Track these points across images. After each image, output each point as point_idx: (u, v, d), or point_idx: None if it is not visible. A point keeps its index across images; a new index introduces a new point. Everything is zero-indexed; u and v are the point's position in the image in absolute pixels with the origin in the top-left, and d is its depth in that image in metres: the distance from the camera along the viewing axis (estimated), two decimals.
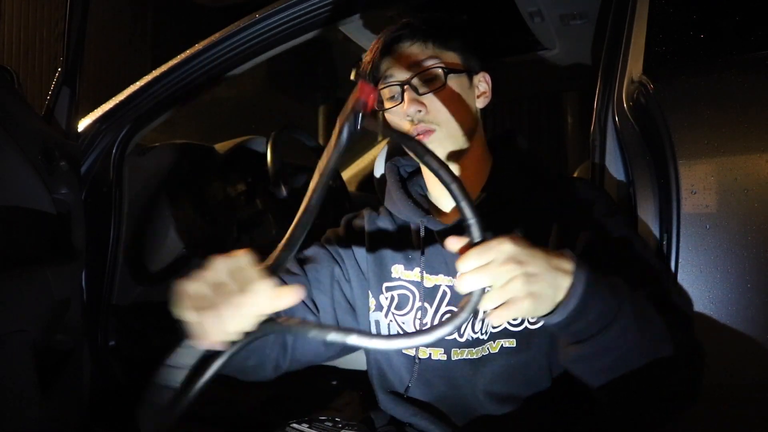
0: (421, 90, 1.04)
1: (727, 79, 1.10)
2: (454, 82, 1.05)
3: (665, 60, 1.17)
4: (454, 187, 0.70)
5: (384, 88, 1.07)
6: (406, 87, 1.04)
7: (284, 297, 0.69)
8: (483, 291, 0.69)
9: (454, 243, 0.72)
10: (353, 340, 0.70)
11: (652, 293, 0.87)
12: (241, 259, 0.70)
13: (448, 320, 0.68)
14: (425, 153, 0.73)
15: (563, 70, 2.29)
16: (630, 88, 1.17)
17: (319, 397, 1.94)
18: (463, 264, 0.69)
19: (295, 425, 1.02)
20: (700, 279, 1.03)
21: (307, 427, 1.01)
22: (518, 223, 1.03)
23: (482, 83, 1.12)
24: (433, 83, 1.04)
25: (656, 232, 1.09)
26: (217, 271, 0.70)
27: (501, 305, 0.69)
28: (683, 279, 1.04)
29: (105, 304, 1.79)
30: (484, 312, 0.71)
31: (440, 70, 1.04)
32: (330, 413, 1.08)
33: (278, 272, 0.72)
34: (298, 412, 1.11)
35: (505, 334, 0.99)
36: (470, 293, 0.69)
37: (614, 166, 1.19)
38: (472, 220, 0.70)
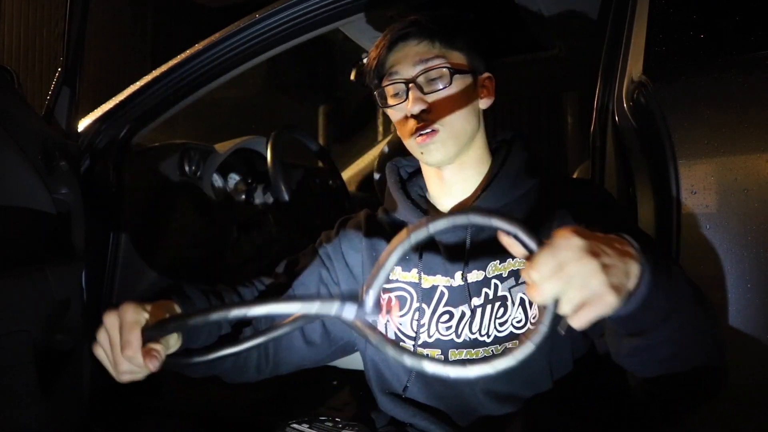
0: (426, 89, 1.04)
1: (727, 79, 1.09)
2: (459, 83, 1.05)
3: (665, 60, 1.17)
4: (493, 220, 0.67)
5: (388, 85, 1.07)
6: (411, 85, 1.04)
7: (148, 364, 0.82)
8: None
9: (516, 249, 0.68)
10: (428, 366, 0.67)
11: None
12: (128, 317, 0.85)
13: (529, 337, 0.63)
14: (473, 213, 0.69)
15: (563, 70, 2.29)
16: (630, 88, 1.17)
17: (319, 397, 1.94)
18: (535, 272, 0.63)
19: (295, 425, 1.02)
20: (700, 279, 1.03)
21: (307, 427, 1.01)
22: None
23: (486, 84, 1.12)
24: (438, 83, 1.04)
25: (656, 232, 1.09)
26: (109, 329, 0.88)
27: (581, 307, 0.64)
28: None
29: (105, 304, 1.79)
30: (561, 320, 0.66)
31: (446, 70, 1.04)
32: (330, 413, 1.08)
33: (156, 337, 0.82)
34: (298, 412, 1.11)
35: (510, 337, 0.99)
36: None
37: (614, 166, 1.19)
38: (523, 236, 0.64)
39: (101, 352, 0.88)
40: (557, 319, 0.64)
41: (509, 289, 0.99)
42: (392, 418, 1.08)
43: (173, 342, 0.88)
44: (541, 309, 0.64)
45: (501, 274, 1.01)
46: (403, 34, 1.06)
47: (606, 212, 1.00)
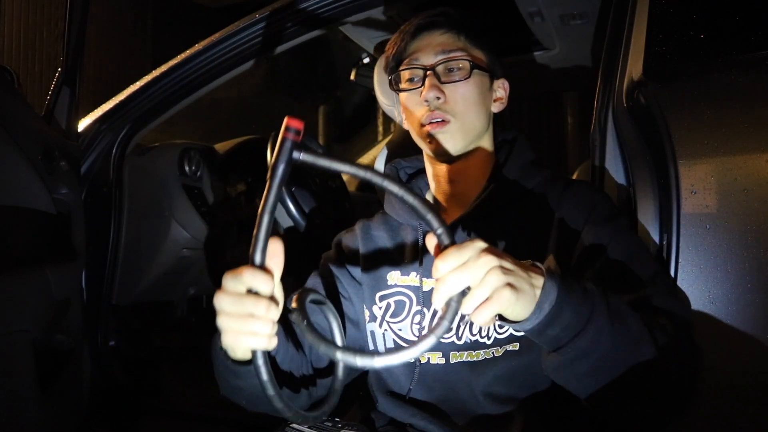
0: (444, 78, 1.04)
1: (727, 79, 1.09)
2: (477, 79, 1.05)
3: (665, 60, 1.17)
4: (413, 201, 0.68)
5: (406, 69, 1.07)
6: (429, 72, 1.04)
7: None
8: (462, 294, 0.67)
9: (430, 243, 0.71)
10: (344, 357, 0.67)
11: (642, 297, 0.87)
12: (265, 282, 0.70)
13: (432, 331, 0.66)
14: (382, 178, 0.69)
15: (563, 70, 2.29)
16: (630, 88, 1.17)
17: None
18: (442, 265, 0.67)
19: (295, 425, 1.02)
20: (700, 279, 1.03)
21: (307, 427, 1.01)
22: (517, 224, 1.02)
23: (500, 89, 1.12)
24: (457, 74, 1.04)
25: (656, 232, 1.09)
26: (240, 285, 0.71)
27: (483, 303, 0.68)
28: (683, 279, 1.04)
29: (105, 304, 1.80)
30: (466, 316, 0.70)
31: (467, 63, 1.04)
32: (330, 413, 1.08)
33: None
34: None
35: (510, 339, 0.98)
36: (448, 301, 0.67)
37: (614, 166, 1.19)
38: (439, 229, 0.68)
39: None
40: (457, 314, 0.68)
41: None
42: (392, 419, 1.08)
43: None
44: (445, 305, 0.67)
45: None
46: (430, 22, 1.06)
47: (598, 214, 0.99)
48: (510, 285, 0.68)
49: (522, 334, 0.97)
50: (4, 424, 1.16)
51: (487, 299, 0.68)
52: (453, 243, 0.68)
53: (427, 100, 1.03)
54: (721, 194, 1.03)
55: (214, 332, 1.06)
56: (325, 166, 0.72)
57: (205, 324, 2.39)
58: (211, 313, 1.03)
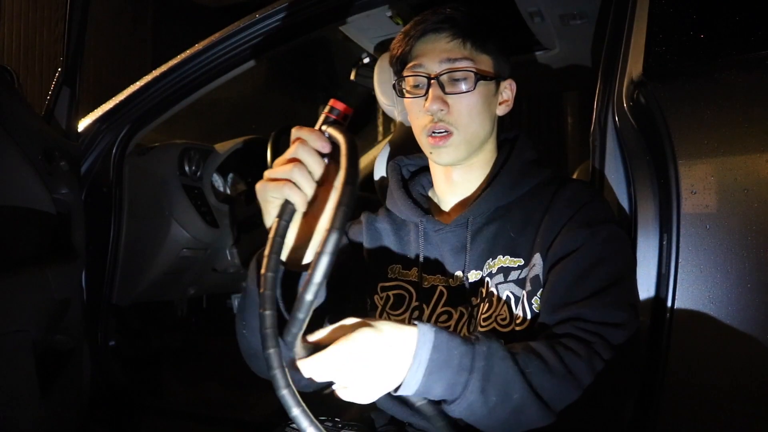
0: (448, 89, 1.02)
1: (727, 79, 1.09)
2: (482, 89, 1.03)
3: (665, 60, 1.17)
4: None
5: (410, 75, 1.05)
6: (433, 82, 1.02)
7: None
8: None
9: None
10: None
11: (579, 312, 0.86)
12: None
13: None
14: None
15: (563, 70, 2.29)
16: (630, 88, 1.17)
17: (320, 396, 1.94)
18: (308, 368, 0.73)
19: (294, 425, 1.01)
20: (700, 279, 1.03)
21: None
22: (516, 223, 1.03)
23: (507, 91, 1.10)
24: (461, 85, 1.02)
25: (656, 232, 1.09)
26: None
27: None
28: (683, 279, 1.04)
29: (105, 304, 1.79)
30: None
31: (472, 75, 1.02)
32: (330, 413, 1.08)
33: None
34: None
35: (493, 333, 0.98)
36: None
37: (614, 166, 1.19)
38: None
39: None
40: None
41: (497, 285, 0.99)
42: (392, 418, 1.08)
43: None
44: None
45: (492, 271, 1.01)
46: (436, 27, 1.04)
47: (582, 215, 0.97)
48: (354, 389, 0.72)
49: (505, 331, 0.97)
50: (4, 424, 1.16)
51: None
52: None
53: (430, 112, 1.01)
54: (721, 194, 1.03)
55: (214, 332, 1.05)
56: (347, 161, 0.73)
57: (205, 324, 2.40)
58: (212, 313, 1.02)
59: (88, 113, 1.82)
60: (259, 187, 0.80)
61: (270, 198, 0.79)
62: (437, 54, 1.03)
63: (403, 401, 1.05)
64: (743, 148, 1.04)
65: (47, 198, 1.37)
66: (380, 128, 3.50)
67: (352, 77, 2.40)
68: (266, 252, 0.75)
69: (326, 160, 0.79)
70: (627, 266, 0.98)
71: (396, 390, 0.76)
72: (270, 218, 0.80)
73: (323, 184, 0.81)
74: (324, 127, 0.80)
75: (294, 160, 0.79)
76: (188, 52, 1.75)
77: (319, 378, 0.72)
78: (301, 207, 0.78)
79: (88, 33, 1.56)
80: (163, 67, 1.76)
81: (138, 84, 1.78)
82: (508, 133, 1.16)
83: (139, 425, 1.84)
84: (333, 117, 0.79)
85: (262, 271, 0.73)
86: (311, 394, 1.02)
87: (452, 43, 1.03)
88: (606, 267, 0.91)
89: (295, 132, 0.80)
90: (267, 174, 0.80)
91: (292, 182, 0.77)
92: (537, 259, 0.97)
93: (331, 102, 0.79)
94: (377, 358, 0.72)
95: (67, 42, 1.53)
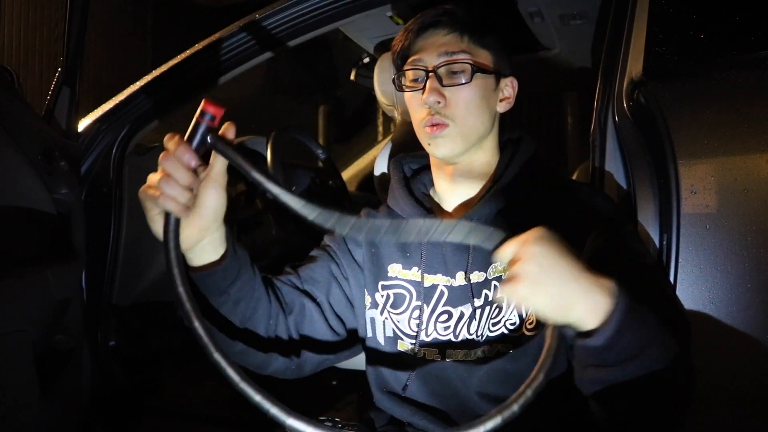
0: (445, 81, 1.03)
1: (727, 79, 1.09)
2: (480, 82, 1.04)
3: (665, 60, 1.17)
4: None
5: (409, 69, 1.06)
6: (430, 74, 1.03)
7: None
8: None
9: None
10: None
11: (653, 306, 0.87)
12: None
13: None
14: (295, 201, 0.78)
15: (563, 70, 2.29)
16: (630, 88, 1.17)
17: (319, 397, 1.94)
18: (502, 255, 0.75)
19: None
20: (700, 279, 1.03)
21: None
22: (520, 225, 1.02)
23: (508, 88, 1.10)
24: (458, 77, 1.03)
25: (656, 232, 1.09)
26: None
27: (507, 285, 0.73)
28: (683, 279, 1.04)
29: (105, 304, 1.79)
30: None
31: (469, 66, 1.02)
32: (330, 413, 1.08)
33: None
34: (297, 412, 1.11)
35: (502, 339, 0.98)
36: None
37: (614, 166, 1.19)
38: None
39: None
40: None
41: None
42: (391, 418, 1.08)
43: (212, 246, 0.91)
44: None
45: (501, 276, 1.01)
46: (434, 21, 1.05)
47: (605, 220, 0.98)
48: (533, 282, 0.72)
49: (515, 335, 0.97)
50: (4, 424, 1.16)
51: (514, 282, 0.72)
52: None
53: (427, 104, 1.02)
54: (721, 194, 1.03)
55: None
56: (235, 160, 0.77)
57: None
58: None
59: (88, 113, 1.82)
60: (140, 196, 0.83)
61: (147, 207, 0.83)
62: (435, 48, 1.04)
63: (403, 400, 1.05)
64: (743, 148, 1.04)
65: (47, 198, 1.37)
66: (380, 128, 3.50)
67: (352, 77, 2.41)
68: (170, 270, 0.82)
69: (197, 163, 0.81)
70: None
71: (578, 333, 0.75)
72: (154, 225, 0.85)
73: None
74: (209, 141, 0.80)
75: (163, 172, 0.81)
76: (188, 52, 1.75)
77: (509, 254, 0.74)
78: (181, 214, 0.82)
79: (88, 33, 1.56)
80: (163, 67, 1.76)
81: (138, 84, 1.78)
82: (512, 134, 1.16)
83: (139, 425, 1.84)
84: (206, 122, 0.78)
85: (177, 289, 0.80)
86: (312, 394, 1.03)
87: (450, 36, 1.04)
88: (650, 263, 0.95)
89: (166, 141, 0.81)
90: (147, 181, 0.83)
91: (169, 196, 0.81)
92: None
93: (203, 105, 0.79)
94: (575, 275, 0.73)
95: (67, 42, 1.53)
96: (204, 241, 0.89)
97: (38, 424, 1.25)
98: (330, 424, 1.03)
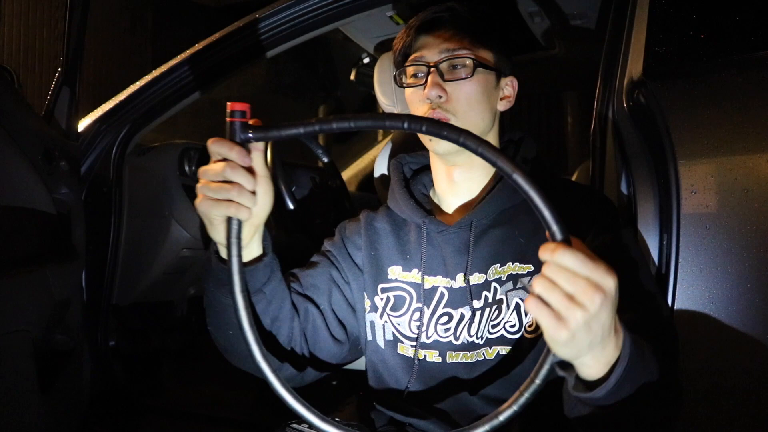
0: (447, 76, 1.03)
1: (727, 79, 1.09)
2: (481, 78, 1.04)
3: (665, 60, 1.17)
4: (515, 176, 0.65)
5: (411, 65, 1.06)
6: (432, 69, 1.03)
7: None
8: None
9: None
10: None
11: (634, 318, 0.85)
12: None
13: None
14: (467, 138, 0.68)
15: (563, 70, 2.29)
16: (630, 88, 1.17)
17: (319, 397, 1.94)
18: (564, 255, 0.62)
19: (295, 425, 1.02)
20: (700, 279, 1.03)
21: (307, 427, 1.00)
22: (522, 227, 1.02)
23: (508, 87, 1.11)
24: (459, 72, 1.03)
25: (656, 232, 1.09)
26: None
27: (547, 308, 0.63)
28: (683, 279, 1.04)
29: (105, 304, 1.79)
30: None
31: (470, 61, 1.03)
32: (330, 413, 1.08)
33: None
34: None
35: (501, 341, 0.98)
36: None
37: (614, 166, 1.19)
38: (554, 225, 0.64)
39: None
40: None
41: (506, 293, 0.99)
42: (391, 418, 1.08)
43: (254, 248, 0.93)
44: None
45: (500, 277, 1.01)
46: (436, 18, 1.06)
47: (600, 224, 0.98)
48: (574, 334, 0.63)
49: (515, 338, 0.97)
50: (4, 424, 1.16)
51: (553, 314, 0.63)
52: (568, 239, 0.64)
53: (429, 98, 1.02)
54: (721, 194, 1.03)
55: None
56: (280, 136, 0.77)
57: (205, 324, 2.40)
58: None
59: (88, 113, 1.82)
60: (202, 207, 0.82)
61: (213, 216, 0.82)
62: (437, 44, 1.04)
63: (404, 402, 1.05)
64: (743, 148, 1.04)
65: (47, 198, 1.37)
66: None
67: (352, 77, 2.41)
68: (231, 275, 0.79)
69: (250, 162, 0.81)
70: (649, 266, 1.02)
71: (581, 383, 0.71)
72: (217, 233, 0.84)
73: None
74: (251, 134, 0.79)
75: (233, 183, 0.80)
76: (188, 52, 1.75)
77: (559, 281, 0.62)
78: (246, 218, 0.82)
79: (88, 33, 1.56)
80: (163, 67, 1.76)
81: (138, 84, 1.78)
82: (513, 134, 1.16)
83: (139, 425, 1.84)
84: (239, 120, 0.79)
85: (233, 291, 0.79)
86: (312, 394, 1.02)
87: (452, 33, 1.05)
88: (644, 272, 0.94)
89: (217, 149, 0.80)
90: (202, 189, 0.81)
91: (237, 203, 0.80)
92: None
93: (230, 106, 0.79)
94: (608, 316, 0.64)
95: (67, 42, 1.53)
96: (254, 237, 0.91)
97: (38, 424, 1.25)
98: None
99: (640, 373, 0.72)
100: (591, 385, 0.72)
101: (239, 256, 0.80)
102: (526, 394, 0.69)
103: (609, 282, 0.62)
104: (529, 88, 3.04)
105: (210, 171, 0.80)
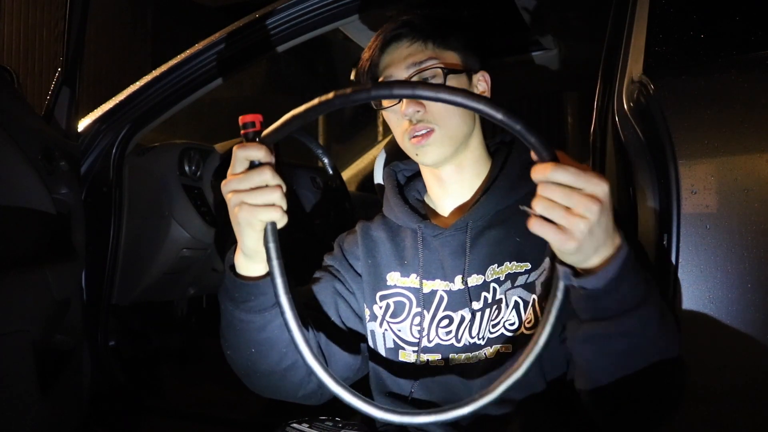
0: None
1: (727, 79, 1.09)
2: (454, 83, 1.04)
3: (665, 60, 1.17)
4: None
5: None
6: None
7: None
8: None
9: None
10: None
11: None
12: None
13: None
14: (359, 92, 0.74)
15: (563, 70, 2.29)
16: (630, 88, 1.17)
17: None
18: (555, 173, 0.68)
19: (295, 425, 1.02)
20: (700, 279, 1.03)
21: (307, 427, 1.00)
22: (518, 227, 1.02)
23: (481, 82, 1.11)
24: (432, 83, 1.03)
25: (656, 232, 1.09)
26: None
27: (551, 225, 0.69)
28: (683, 279, 1.04)
29: (105, 304, 1.79)
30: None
31: (439, 70, 1.03)
32: (330, 413, 1.08)
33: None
34: (298, 412, 1.11)
35: (501, 339, 0.98)
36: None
37: (614, 166, 1.19)
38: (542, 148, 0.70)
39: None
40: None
41: (505, 292, 0.99)
42: None
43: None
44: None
45: (498, 277, 1.01)
46: (395, 35, 1.06)
47: None
48: (582, 242, 0.69)
49: (515, 335, 0.97)
50: (4, 424, 1.16)
51: (558, 227, 0.69)
52: (554, 155, 0.70)
53: (406, 115, 1.02)
54: (721, 194, 1.03)
55: (214, 332, 1.06)
56: (291, 129, 0.79)
57: (205, 324, 2.40)
58: (211, 313, 1.03)
59: (88, 113, 1.82)
60: (244, 213, 0.81)
61: (257, 222, 0.81)
62: (402, 60, 1.04)
63: (404, 403, 1.05)
64: (743, 148, 1.04)
65: (47, 198, 1.37)
66: (380, 128, 3.50)
67: (352, 77, 2.40)
68: (274, 279, 0.79)
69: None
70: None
71: (578, 273, 0.74)
72: (251, 240, 0.83)
73: None
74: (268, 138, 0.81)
75: (277, 186, 0.80)
76: (188, 52, 1.75)
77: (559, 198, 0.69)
78: (284, 224, 0.82)
79: (88, 33, 1.56)
80: (163, 67, 1.76)
81: (138, 84, 1.78)
82: (505, 136, 1.16)
83: (139, 425, 1.84)
84: (252, 130, 0.81)
85: (278, 297, 0.79)
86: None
87: (413, 46, 1.05)
88: (646, 266, 0.94)
89: (245, 153, 0.80)
90: (241, 198, 0.80)
91: (280, 206, 0.81)
92: (548, 263, 0.97)
93: (241, 119, 0.82)
94: (611, 216, 0.71)
95: (67, 42, 1.53)
96: None
97: (38, 424, 1.25)
98: (330, 423, 1.03)
99: (641, 282, 0.76)
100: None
101: (280, 258, 0.80)
102: (548, 326, 0.73)
103: (602, 188, 0.68)
104: (529, 88, 3.04)
105: (244, 178, 0.80)
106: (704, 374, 1.03)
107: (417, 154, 1.05)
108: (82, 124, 1.78)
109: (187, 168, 2.01)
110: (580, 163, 0.69)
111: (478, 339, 1.00)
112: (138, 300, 2.00)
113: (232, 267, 0.92)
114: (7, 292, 1.19)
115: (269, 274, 0.81)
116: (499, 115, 0.69)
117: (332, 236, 1.23)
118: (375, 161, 1.82)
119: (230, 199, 0.82)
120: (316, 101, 0.74)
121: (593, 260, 0.73)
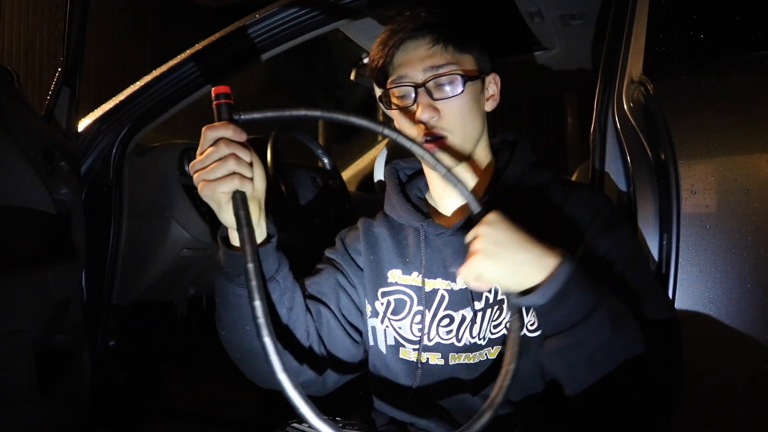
0: (437, 95, 1.00)
1: (727, 79, 1.10)
2: (470, 89, 1.02)
3: (665, 60, 1.17)
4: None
5: (396, 87, 1.03)
6: (420, 90, 1.00)
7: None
8: None
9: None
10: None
11: (634, 309, 0.88)
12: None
13: None
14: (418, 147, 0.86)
15: (563, 70, 2.29)
16: (630, 88, 1.17)
17: (319, 397, 1.94)
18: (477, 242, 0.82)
19: (295, 425, 1.02)
20: (700, 279, 1.03)
21: (307, 427, 1.00)
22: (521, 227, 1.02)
23: (492, 85, 1.09)
24: (449, 89, 1.00)
25: (656, 232, 1.09)
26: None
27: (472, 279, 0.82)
28: (683, 279, 1.04)
29: (105, 304, 1.79)
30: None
31: (459, 78, 0.99)
32: (330, 413, 1.08)
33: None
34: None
35: (503, 340, 0.98)
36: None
37: (614, 166, 1.19)
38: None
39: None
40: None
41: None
42: (392, 418, 1.08)
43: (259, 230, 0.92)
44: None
45: None
46: (414, 34, 1.01)
47: (601, 219, 0.98)
48: (485, 254, 0.80)
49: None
50: (4, 424, 1.16)
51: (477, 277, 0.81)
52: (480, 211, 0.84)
53: (422, 120, 0.99)
54: (721, 194, 1.03)
55: (215, 332, 1.06)
56: (265, 117, 0.84)
57: (205, 324, 2.40)
58: (211, 313, 1.03)
59: (88, 113, 1.82)
60: (205, 190, 0.84)
61: (221, 194, 0.83)
62: (420, 62, 1.00)
63: (407, 405, 1.05)
64: (743, 148, 1.04)
65: (47, 198, 1.37)
66: None
67: (352, 77, 2.40)
68: (243, 246, 0.80)
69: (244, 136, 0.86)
70: (648, 261, 1.07)
71: (524, 293, 0.81)
72: (226, 213, 0.86)
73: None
74: (241, 116, 0.86)
75: (230, 155, 0.82)
76: (188, 52, 1.75)
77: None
78: (251, 191, 0.84)
79: (88, 33, 1.56)
80: (163, 67, 1.76)
81: (138, 84, 1.78)
82: (508, 136, 1.15)
83: (139, 425, 1.84)
84: (224, 101, 0.85)
85: (245, 263, 0.78)
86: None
87: (434, 49, 1.01)
88: (642, 266, 0.96)
89: (214, 132, 0.83)
90: (201, 176, 0.83)
91: (239, 174, 0.82)
92: None
93: (213, 90, 0.85)
94: (524, 245, 0.82)
95: (67, 42, 1.53)
96: (260, 218, 0.92)
97: (38, 424, 1.25)
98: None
99: (589, 293, 0.81)
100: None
101: (249, 226, 0.81)
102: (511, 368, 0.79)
103: (484, 219, 0.83)
104: (529, 88, 3.04)
105: (204, 157, 0.83)
106: (704, 374, 1.03)
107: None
108: (82, 124, 1.78)
109: (187, 168, 2.01)
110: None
111: (479, 339, 1.00)
112: (138, 300, 2.00)
113: (225, 240, 0.93)
114: (7, 292, 1.19)
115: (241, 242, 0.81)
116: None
117: (332, 236, 1.22)
118: (375, 161, 1.83)
119: (194, 179, 0.85)
120: (302, 111, 0.83)
121: (532, 280, 0.81)
